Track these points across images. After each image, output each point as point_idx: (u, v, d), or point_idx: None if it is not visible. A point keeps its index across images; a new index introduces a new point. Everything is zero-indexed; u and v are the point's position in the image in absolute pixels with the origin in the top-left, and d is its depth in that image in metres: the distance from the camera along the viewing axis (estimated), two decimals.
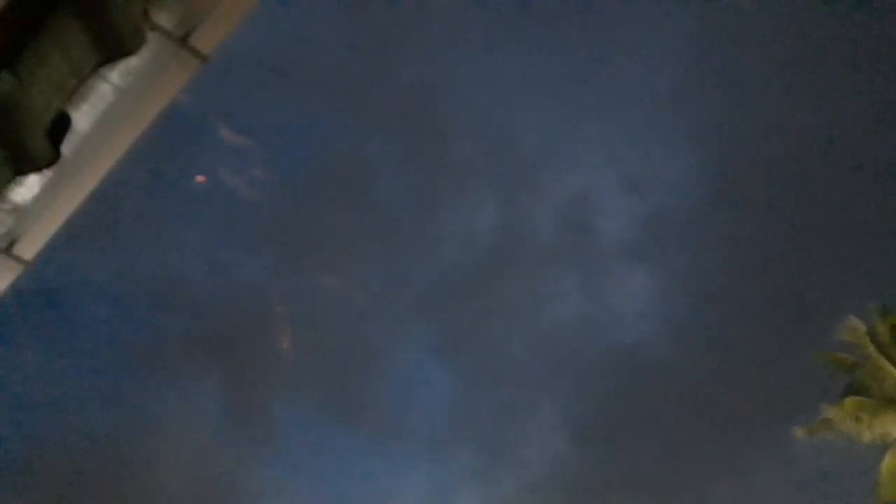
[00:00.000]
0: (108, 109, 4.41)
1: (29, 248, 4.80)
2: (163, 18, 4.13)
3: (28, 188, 4.27)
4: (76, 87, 4.09)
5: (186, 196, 50.12)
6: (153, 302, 48.80)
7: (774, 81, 48.33)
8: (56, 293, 45.81)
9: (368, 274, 55.22)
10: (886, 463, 20.71)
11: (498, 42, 53.34)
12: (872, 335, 22.20)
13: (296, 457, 51.63)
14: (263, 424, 50.87)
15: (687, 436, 46.59)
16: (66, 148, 4.25)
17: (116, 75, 4.39)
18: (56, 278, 45.01)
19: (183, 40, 4.23)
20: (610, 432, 50.25)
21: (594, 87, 53.30)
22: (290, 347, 52.61)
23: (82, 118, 4.29)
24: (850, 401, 21.50)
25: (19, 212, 4.46)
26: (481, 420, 54.28)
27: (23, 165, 3.68)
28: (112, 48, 3.77)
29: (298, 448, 52.30)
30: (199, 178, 50.62)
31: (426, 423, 54.23)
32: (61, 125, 4.19)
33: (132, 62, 4.20)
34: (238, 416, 50.60)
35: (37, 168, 3.79)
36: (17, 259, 4.73)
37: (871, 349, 21.91)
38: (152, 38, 3.95)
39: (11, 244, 4.71)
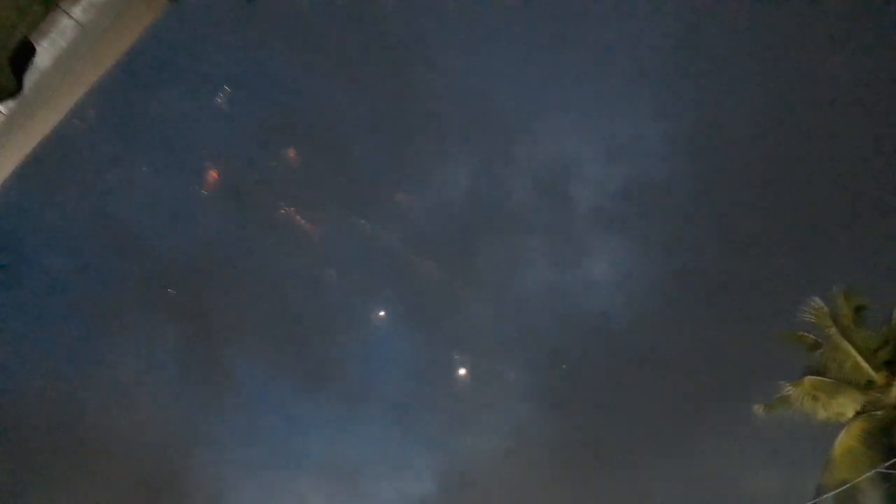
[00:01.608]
0: (69, 46, 4.16)
1: None
2: None
3: None
4: (41, 14, 3.84)
5: (148, 142, 49.00)
6: (110, 249, 47.95)
7: (754, 60, 48.37)
8: (6, 238, 44.72)
9: (336, 231, 54.78)
10: (839, 442, 21.19)
11: (481, 4, 52.58)
12: (835, 316, 22.56)
13: (252, 412, 51.48)
14: (220, 378, 50.63)
15: (649, 405, 47.47)
16: (26, 83, 4.01)
17: (79, 10, 4.13)
18: (6, 223, 43.91)
19: None
20: (574, 400, 50.95)
21: (576, 54, 52.93)
22: (251, 303, 52.19)
23: (43, 54, 4.03)
24: (808, 380, 21.89)
25: None
26: (445, 385, 54.61)
27: None
28: None
29: (255, 404, 52.12)
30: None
31: (389, 386, 54.33)
32: (24, 56, 3.94)
33: None
34: (195, 368, 50.28)
35: None
36: None
37: (833, 330, 22.26)
38: None
39: None
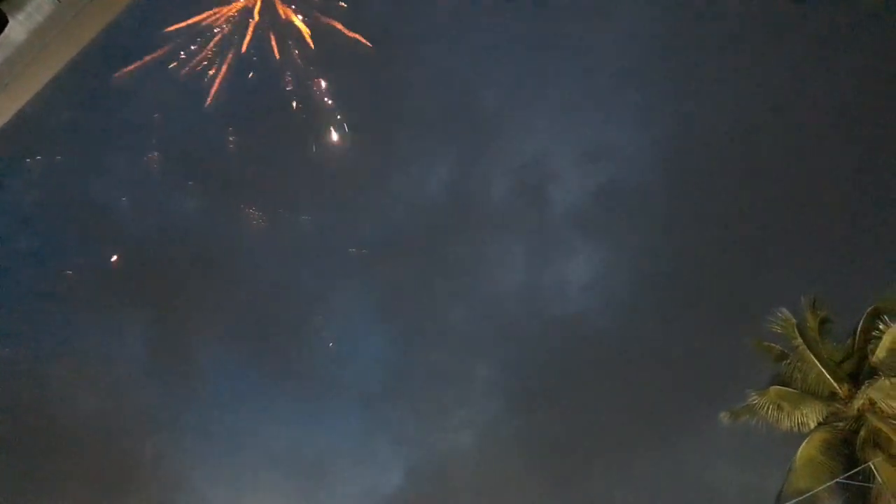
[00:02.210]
0: (44, 22, 4.05)
1: None
2: None
3: None
4: None
5: (123, 124, 48.27)
6: (82, 233, 47.19)
7: (733, 68, 48.92)
8: None
9: (311, 222, 54.37)
10: (801, 451, 21.49)
11: (469, 3, 52.60)
12: (801, 328, 22.89)
13: (217, 403, 50.89)
14: (186, 367, 50.07)
15: (619, 408, 47.82)
16: None
17: None
18: None
19: None
20: (543, 401, 51.13)
21: (557, 56, 53.22)
22: (222, 292, 51.64)
23: (17, 28, 3.93)
24: (774, 389, 22.19)
25: None
26: (416, 381, 54.40)
27: None
28: None
29: (222, 393, 51.50)
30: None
31: (358, 381, 53.97)
32: None
33: None
34: (161, 355, 49.66)
35: None
36: None
37: (799, 341, 22.59)
38: None
39: None
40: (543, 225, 56.32)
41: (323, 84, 51.77)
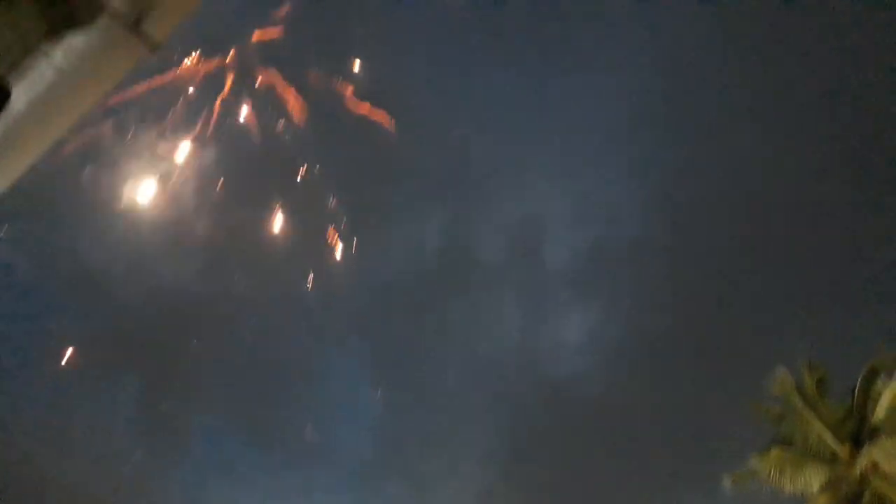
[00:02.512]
0: (45, 91, 4.09)
1: None
2: (114, 0, 3.84)
3: None
4: (21, 57, 3.78)
5: (117, 190, 48.41)
6: (72, 296, 46.88)
7: (726, 125, 49.74)
8: None
9: (303, 283, 54.08)
10: None
11: (462, 62, 53.76)
12: (800, 388, 22.69)
13: (206, 469, 49.68)
14: (176, 432, 49.08)
15: (615, 475, 46.88)
16: None
17: (60, 54, 4.07)
18: None
19: (134, 24, 3.94)
20: (538, 465, 50.11)
21: (550, 117, 54.09)
22: (212, 356, 51.02)
23: (19, 97, 3.96)
24: (775, 452, 21.83)
25: None
26: (409, 448, 53.20)
27: None
28: (64, 17, 3.48)
29: (210, 460, 50.30)
30: None
31: (350, 448, 52.76)
32: (1, 96, 3.85)
33: (77, 42, 3.90)
34: (151, 420, 48.77)
35: None
36: None
37: (799, 402, 22.35)
38: (101, 18, 3.67)
39: None
40: (537, 284, 56.38)
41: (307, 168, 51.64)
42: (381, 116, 50.81)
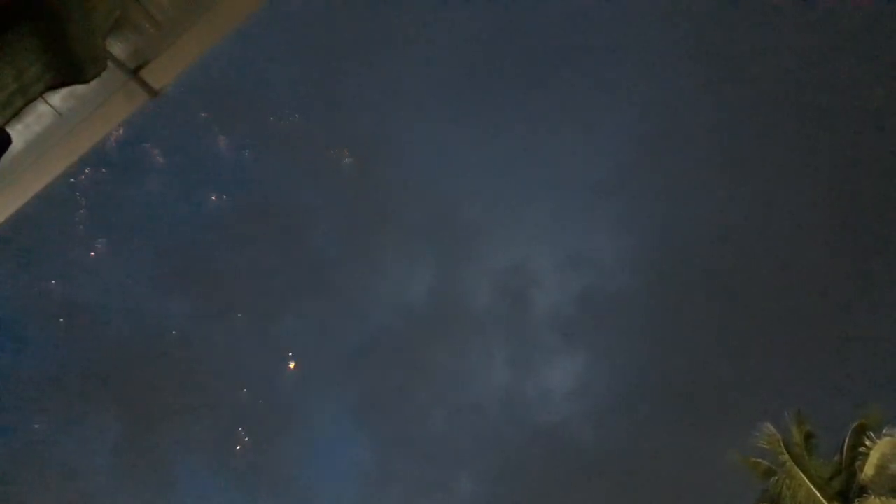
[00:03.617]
0: (43, 133, 4.14)
1: None
2: (116, 47, 3.93)
3: None
4: (22, 106, 3.84)
5: (109, 228, 48.35)
6: (57, 332, 46.35)
7: (713, 175, 50.37)
8: None
9: (291, 327, 53.84)
10: None
11: (452, 112, 54.45)
12: (787, 443, 22.58)
13: None
14: (158, 476, 48.15)
15: None
16: None
17: (59, 99, 4.14)
18: None
19: (135, 72, 4.02)
20: None
21: (540, 164, 54.67)
22: (198, 399, 50.33)
23: (16, 137, 4.01)
24: None
25: None
26: (395, 494, 52.58)
27: None
28: (68, 73, 3.55)
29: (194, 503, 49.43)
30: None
31: (336, 494, 52.04)
32: (1, 142, 3.90)
33: (78, 87, 3.98)
34: (134, 461, 47.85)
35: None
36: None
37: (787, 457, 22.22)
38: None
39: None
40: (525, 331, 56.25)
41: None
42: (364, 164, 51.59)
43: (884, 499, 20.23)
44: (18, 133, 3.98)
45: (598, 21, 51.28)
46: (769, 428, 22.92)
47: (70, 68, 3.26)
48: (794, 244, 46.76)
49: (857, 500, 20.68)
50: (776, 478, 22.35)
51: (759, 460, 23.28)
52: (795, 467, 21.80)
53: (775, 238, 48.14)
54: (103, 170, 43.87)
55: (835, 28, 45.07)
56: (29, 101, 3.31)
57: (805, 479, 21.60)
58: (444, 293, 55.21)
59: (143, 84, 3.73)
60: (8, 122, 3.39)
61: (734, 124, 49.50)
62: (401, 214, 53.71)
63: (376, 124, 52.65)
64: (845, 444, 22.25)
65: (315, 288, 53.86)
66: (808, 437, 22.92)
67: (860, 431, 22.00)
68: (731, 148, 49.90)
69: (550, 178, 54.98)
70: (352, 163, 52.35)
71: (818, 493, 21.42)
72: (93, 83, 3.77)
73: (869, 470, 21.01)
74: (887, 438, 21.59)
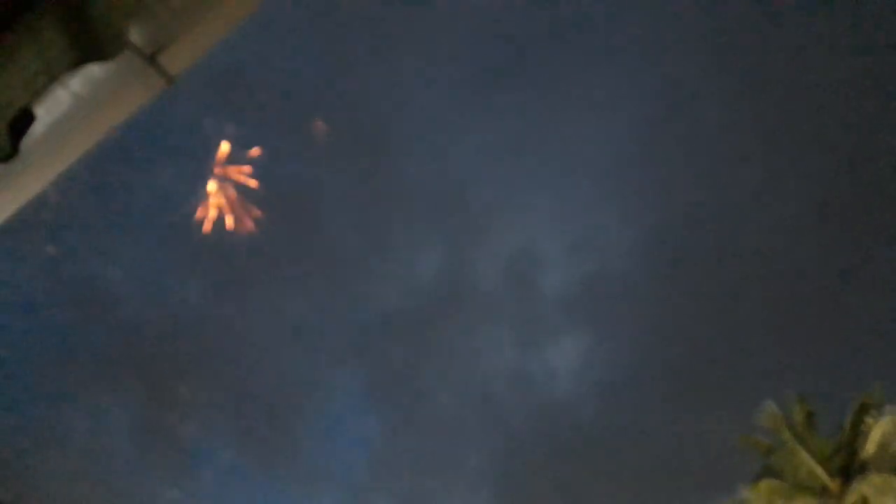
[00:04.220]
0: (61, 116, 4.27)
1: None
2: (133, 32, 4.03)
3: None
4: (46, 85, 3.95)
5: (127, 210, 48.57)
6: (75, 312, 46.75)
7: (719, 159, 50.27)
8: None
9: (304, 309, 54.22)
10: None
11: (462, 96, 54.27)
12: (789, 422, 22.84)
13: (206, 492, 49.45)
14: (175, 455, 48.75)
15: (607, 498, 46.78)
16: (21, 149, 4.08)
17: (77, 82, 4.26)
18: None
19: (152, 58, 4.13)
20: (531, 493, 50.02)
21: (547, 149, 54.53)
22: (213, 378, 50.86)
23: (36, 121, 4.14)
24: (764, 484, 21.94)
25: None
26: (404, 471, 53.30)
27: None
28: (89, 51, 3.65)
29: (210, 483, 50.14)
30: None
31: (347, 470, 52.86)
32: (24, 122, 4.03)
33: (95, 72, 4.09)
34: (150, 443, 48.44)
35: None
36: None
37: (787, 435, 22.49)
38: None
39: None
40: (532, 312, 56.50)
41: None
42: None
43: (885, 476, 20.49)
44: (38, 117, 4.11)
45: (609, 2, 50.92)
46: (771, 406, 23.19)
47: (91, 46, 3.36)
48: (799, 224, 46.75)
49: (858, 476, 20.94)
50: (778, 455, 22.65)
51: (761, 439, 23.59)
52: (797, 445, 22.09)
53: (779, 218, 48.14)
54: (120, 155, 43.95)
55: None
56: (52, 80, 3.41)
57: (806, 456, 21.90)
58: (453, 275, 55.44)
59: (160, 70, 3.85)
60: (31, 100, 3.50)
61: (745, 111, 49.32)
62: (411, 198, 53.79)
63: (386, 108, 52.58)
64: (847, 422, 22.49)
65: (323, 269, 54.13)
66: (810, 415, 23.19)
67: (862, 410, 22.23)
68: (740, 133, 49.72)
69: (557, 159, 54.90)
70: (362, 146, 52.38)
71: (819, 470, 21.71)
72: (110, 67, 3.89)
73: (870, 447, 21.28)
74: (889, 417, 21.84)
